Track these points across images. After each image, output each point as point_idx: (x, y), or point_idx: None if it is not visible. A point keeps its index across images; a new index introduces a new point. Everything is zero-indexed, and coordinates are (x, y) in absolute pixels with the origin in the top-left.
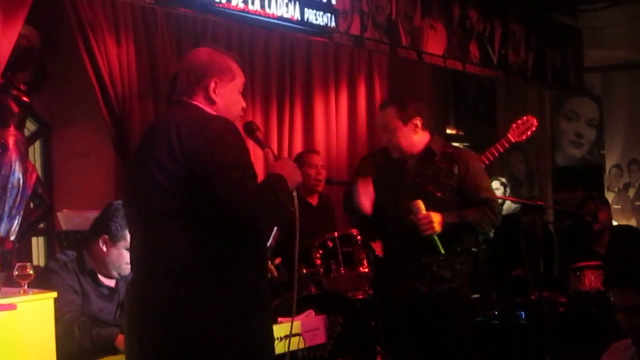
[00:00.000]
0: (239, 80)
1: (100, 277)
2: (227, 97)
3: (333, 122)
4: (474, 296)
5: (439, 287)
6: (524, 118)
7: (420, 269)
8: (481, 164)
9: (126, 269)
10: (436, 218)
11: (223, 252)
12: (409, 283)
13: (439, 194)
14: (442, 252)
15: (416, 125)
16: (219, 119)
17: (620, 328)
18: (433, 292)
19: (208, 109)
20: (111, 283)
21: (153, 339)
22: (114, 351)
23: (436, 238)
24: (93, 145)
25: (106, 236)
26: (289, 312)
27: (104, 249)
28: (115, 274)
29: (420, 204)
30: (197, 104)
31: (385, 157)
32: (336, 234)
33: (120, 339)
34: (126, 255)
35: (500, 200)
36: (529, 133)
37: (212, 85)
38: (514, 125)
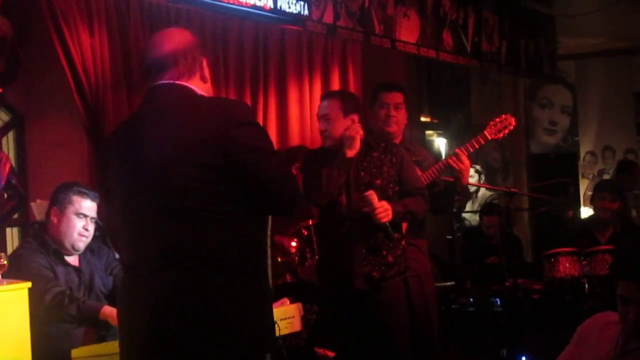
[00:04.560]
0: None
1: (65, 258)
2: (209, 75)
3: (307, 111)
4: (449, 283)
5: (388, 273)
6: (502, 117)
7: (374, 256)
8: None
9: (78, 240)
10: (388, 207)
11: (248, 242)
12: (364, 270)
13: (383, 185)
14: (394, 239)
15: (353, 121)
16: (241, 104)
17: (593, 314)
18: (384, 277)
19: (200, 89)
20: (75, 262)
21: (176, 330)
22: (97, 323)
23: (389, 226)
24: (67, 136)
25: (55, 207)
26: None
27: (55, 220)
28: (69, 246)
29: (374, 195)
30: (192, 85)
31: (325, 154)
32: (311, 222)
33: (105, 311)
34: (75, 221)
35: (474, 188)
36: (505, 132)
37: (204, 63)
38: (492, 122)
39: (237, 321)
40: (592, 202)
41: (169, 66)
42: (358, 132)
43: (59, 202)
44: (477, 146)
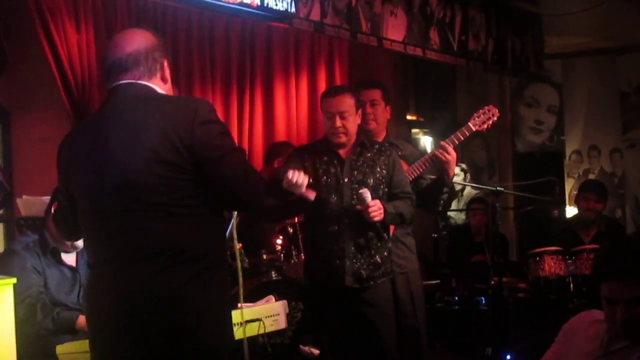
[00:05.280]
0: None
1: (63, 257)
2: (170, 76)
3: (293, 109)
4: (434, 282)
5: (375, 272)
6: (486, 108)
7: (363, 255)
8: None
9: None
10: (382, 206)
11: (212, 237)
12: (354, 267)
13: (375, 185)
14: (385, 238)
15: (359, 116)
16: (204, 103)
17: (578, 313)
18: (371, 276)
19: (161, 89)
20: (72, 262)
21: (146, 325)
22: (74, 332)
23: (379, 225)
24: (53, 131)
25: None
26: (248, 298)
27: None
28: (68, 243)
29: (368, 193)
30: (154, 85)
31: (316, 150)
32: (296, 219)
33: (80, 321)
34: None
35: (460, 186)
36: (490, 123)
37: (165, 64)
38: (475, 114)
39: (197, 319)
40: (577, 201)
41: (130, 67)
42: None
43: None
44: (462, 138)
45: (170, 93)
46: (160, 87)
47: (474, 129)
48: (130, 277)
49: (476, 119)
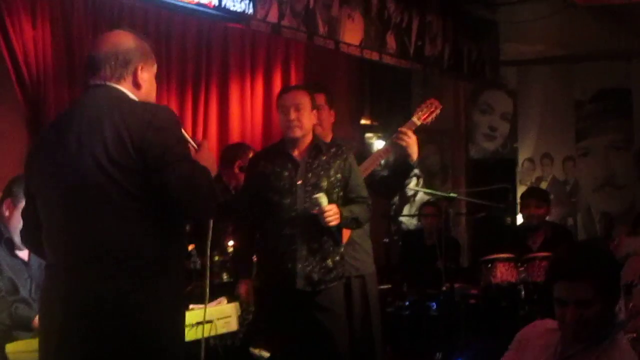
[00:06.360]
0: (156, 65)
1: (16, 250)
2: (149, 82)
3: (248, 110)
4: (386, 286)
5: (327, 276)
6: (428, 101)
7: (315, 258)
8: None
9: None
10: (338, 210)
11: (164, 240)
12: (305, 271)
13: (328, 188)
14: (340, 243)
15: (315, 116)
16: (164, 109)
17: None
18: (323, 280)
19: (133, 94)
20: (24, 256)
21: (94, 329)
22: (30, 330)
23: (334, 229)
24: (6, 126)
25: (9, 200)
26: (201, 299)
27: (7, 213)
28: (18, 241)
29: (324, 197)
30: (124, 89)
31: (271, 153)
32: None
33: (36, 322)
34: None
35: (412, 191)
36: (433, 115)
37: (139, 70)
38: (418, 108)
39: (147, 324)
40: (521, 209)
41: (100, 67)
42: None
43: (12, 195)
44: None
45: (149, 100)
46: (131, 91)
47: (417, 122)
48: (80, 279)
49: (419, 112)
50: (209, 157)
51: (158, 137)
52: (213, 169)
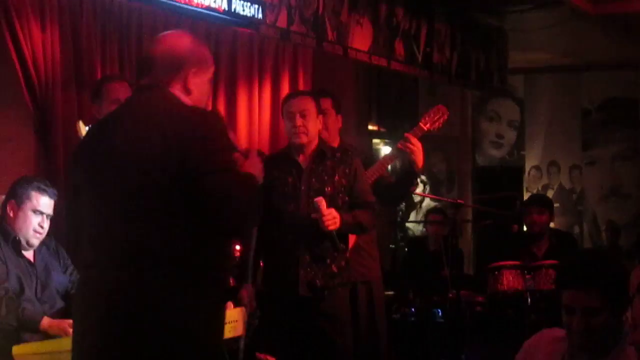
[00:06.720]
0: (212, 70)
1: (23, 250)
2: (202, 87)
3: (256, 116)
4: (391, 293)
5: (331, 282)
6: (436, 107)
7: (317, 264)
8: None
9: (33, 236)
10: (337, 215)
11: (208, 245)
12: (308, 277)
13: (332, 194)
14: (340, 249)
15: (320, 122)
16: (212, 115)
17: (536, 329)
18: (326, 286)
19: (184, 98)
20: (30, 256)
21: (128, 332)
22: (37, 332)
23: (335, 235)
24: (15, 131)
25: (13, 201)
26: None
27: (11, 214)
28: (23, 242)
29: (323, 202)
30: (175, 92)
31: (277, 159)
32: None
33: (44, 323)
34: (32, 218)
35: (419, 198)
36: (441, 121)
37: (191, 74)
38: (426, 114)
39: (186, 329)
40: (524, 217)
41: (152, 67)
42: None
43: (17, 196)
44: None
45: (199, 105)
46: (181, 95)
47: (424, 128)
48: (113, 281)
49: (426, 118)
50: (257, 165)
51: (202, 144)
52: (260, 178)
